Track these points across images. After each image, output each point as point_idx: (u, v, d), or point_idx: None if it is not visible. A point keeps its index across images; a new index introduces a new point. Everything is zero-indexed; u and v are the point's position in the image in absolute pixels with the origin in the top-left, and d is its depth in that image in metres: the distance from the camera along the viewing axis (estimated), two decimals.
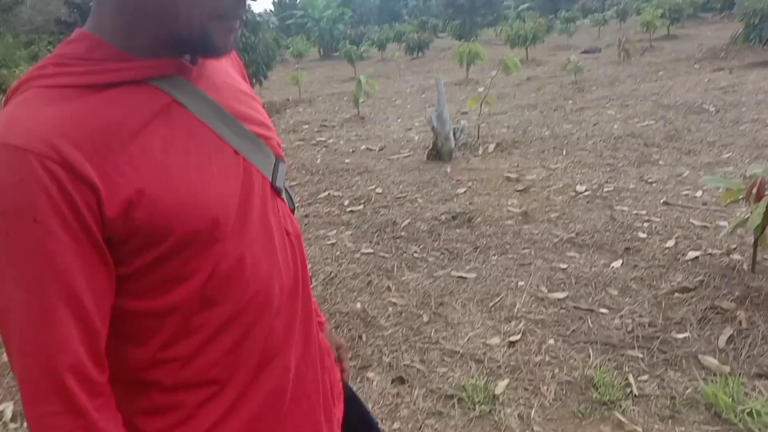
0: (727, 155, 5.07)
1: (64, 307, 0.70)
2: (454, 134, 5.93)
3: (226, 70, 0.90)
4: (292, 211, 0.97)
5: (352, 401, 1.08)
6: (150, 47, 0.75)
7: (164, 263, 0.75)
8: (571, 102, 8.16)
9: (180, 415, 0.82)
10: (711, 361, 2.47)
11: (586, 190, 4.51)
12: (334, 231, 4.23)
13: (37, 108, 0.70)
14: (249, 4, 0.81)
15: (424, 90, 11.60)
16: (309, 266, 3.69)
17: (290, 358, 0.89)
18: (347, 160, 6.03)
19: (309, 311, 0.95)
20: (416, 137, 7.05)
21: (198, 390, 0.82)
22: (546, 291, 3.12)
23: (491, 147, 6.14)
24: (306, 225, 4.38)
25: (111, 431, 0.75)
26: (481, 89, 7.30)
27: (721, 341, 2.58)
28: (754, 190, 2.80)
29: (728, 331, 2.63)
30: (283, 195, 0.92)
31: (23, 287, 0.69)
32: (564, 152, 5.65)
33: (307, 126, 8.18)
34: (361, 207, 4.65)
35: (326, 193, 5.05)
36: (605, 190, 4.48)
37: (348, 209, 4.63)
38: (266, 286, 0.84)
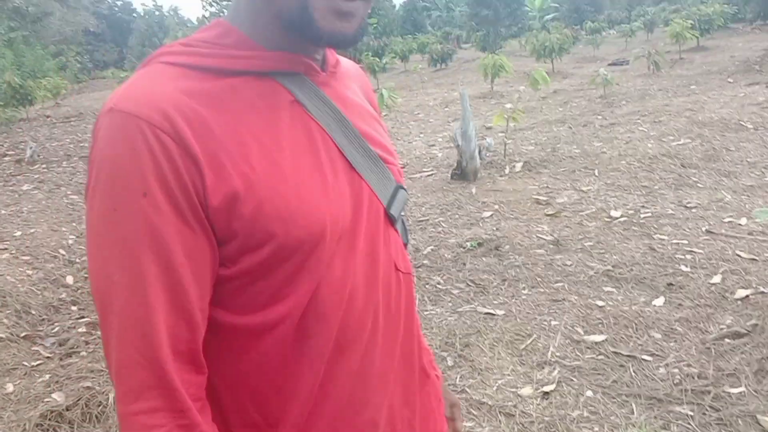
0: None
1: (168, 294, 0.64)
2: (479, 152, 5.71)
3: (355, 89, 0.85)
4: (405, 246, 0.85)
5: None
6: (274, 37, 0.70)
7: (264, 274, 0.68)
8: (600, 117, 7.89)
9: None
10: None
11: (621, 216, 4.25)
12: None
13: (156, 81, 0.67)
14: None
15: (447, 103, 11.37)
16: None
17: (380, 414, 0.78)
18: None
19: (411, 361, 0.83)
20: (439, 154, 6.83)
21: None
22: (582, 333, 2.87)
23: (518, 166, 5.90)
24: None
25: None
26: (507, 105, 7.05)
27: None
28: None
29: None
30: (398, 226, 0.82)
31: (128, 268, 0.63)
32: (596, 172, 5.39)
33: None
34: None
35: None
36: (642, 215, 4.21)
37: None
38: (357, 323, 0.73)
